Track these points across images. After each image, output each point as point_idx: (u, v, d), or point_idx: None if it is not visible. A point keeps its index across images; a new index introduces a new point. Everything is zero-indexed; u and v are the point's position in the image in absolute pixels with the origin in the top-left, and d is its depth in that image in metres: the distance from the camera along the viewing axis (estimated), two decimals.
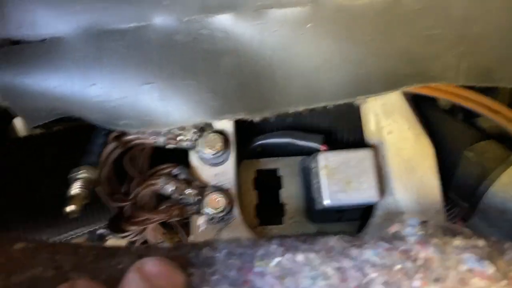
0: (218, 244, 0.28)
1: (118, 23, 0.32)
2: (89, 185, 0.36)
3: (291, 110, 0.35)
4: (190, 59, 0.33)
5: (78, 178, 0.36)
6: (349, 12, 0.32)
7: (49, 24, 0.32)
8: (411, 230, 0.28)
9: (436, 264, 0.25)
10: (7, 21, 0.33)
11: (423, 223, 0.31)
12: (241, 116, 0.35)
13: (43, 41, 0.33)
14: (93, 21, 0.32)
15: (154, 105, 0.34)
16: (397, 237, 0.28)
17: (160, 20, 0.32)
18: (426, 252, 0.26)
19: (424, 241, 0.27)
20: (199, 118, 0.36)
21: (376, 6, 0.32)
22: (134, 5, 0.32)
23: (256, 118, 0.36)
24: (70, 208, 0.34)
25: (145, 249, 0.30)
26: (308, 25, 0.32)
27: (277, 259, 0.25)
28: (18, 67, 0.34)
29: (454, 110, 0.50)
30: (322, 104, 0.35)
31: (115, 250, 0.30)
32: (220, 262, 0.26)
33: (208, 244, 0.28)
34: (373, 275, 0.24)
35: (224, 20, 0.32)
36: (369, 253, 0.26)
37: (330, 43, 0.33)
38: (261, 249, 0.27)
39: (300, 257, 0.26)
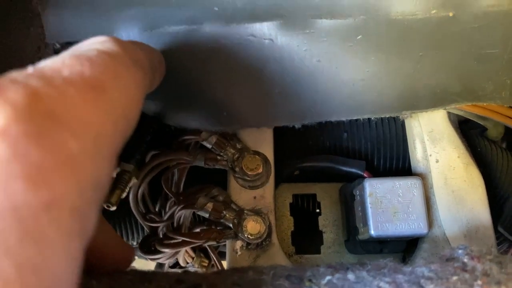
0: (262, 268, 0.27)
1: (169, 25, 0.32)
2: (129, 183, 0.34)
3: (333, 119, 0.35)
4: (235, 64, 0.33)
5: (124, 176, 0.34)
6: (402, 27, 0.32)
7: (106, 29, 0.33)
8: (463, 251, 0.27)
9: (495, 271, 0.24)
10: (65, 29, 0.33)
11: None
12: (281, 123, 0.36)
13: None
14: (146, 23, 0.33)
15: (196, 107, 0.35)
16: (450, 258, 0.27)
17: (210, 24, 0.32)
18: (483, 266, 0.24)
19: (479, 256, 0.25)
20: (238, 125, 0.36)
21: (431, 22, 0.31)
22: (185, 10, 0.32)
23: (297, 125, 0.36)
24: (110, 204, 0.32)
25: (184, 274, 0.29)
26: (358, 37, 0.32)
27: (328, 277, 0.25)
28: None
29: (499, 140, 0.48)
30: (365, 116, 0.35)
31: (152, 275, 0.28)
32: (267, 283, 0.25)
33: (251, 268, 0.27)
34: (430, 286, 0.23)
35: (272, 27, 0.32)
36: (422, 270, 0.25)
37: (379, 56, 0.33)
38: (308, 271, 0.26)
39: (351, 275, 0.25)
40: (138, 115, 0.21)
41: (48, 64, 0.18)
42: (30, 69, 0.17)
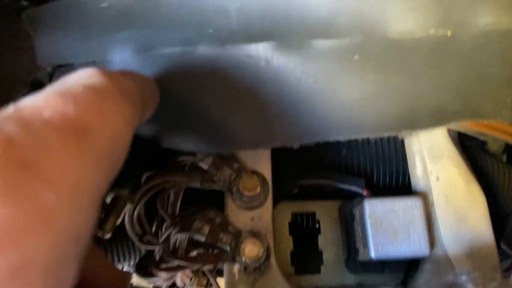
0: None
1: (163, 46, 0.32)
2: (123, 208, 0.33)
3: (331, 139, 0.34)
4: (231, 85, 0.32)
5: (119, 201, 0.33)
6: (401, 46, 0.31)
7: (98, 52, 0.32)
8: (466, 278, 0.26)
9: None
10: (57, 51, 0.33)
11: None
12: (278, 144, 0.35)
13: (93, 62, 0.34)
14: (140, 45, 0.32)
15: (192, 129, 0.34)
16: (453, 285, 0.27)
17: (205, 45, 0.31)
18: None
19: (483, 283, 0.25)
20: (234, 147, 0.35)
21: (429, 42, 0.31)
22: (179, 32, 0.32)
23: (295, 145, 0.35)
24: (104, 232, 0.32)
25: None
26: (355, 57, 0.31)
27: None
28: None
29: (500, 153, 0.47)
30: (364, 136, 0.35)
31: None
32: None
33: None
34: None
35: (267, 48, 0.31)
36: None
37: (377, 75, 0.32)
38: None
39: None
40: (126, 153, 0.20)
41: (30, 103, 0.17)
42: (10, 109, 0.16)
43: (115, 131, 0.19)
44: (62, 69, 0.34)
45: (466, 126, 0.37)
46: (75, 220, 0.15)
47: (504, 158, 0.51)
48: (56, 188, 0.15)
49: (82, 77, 0.20)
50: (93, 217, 0.17)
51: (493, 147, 0.44)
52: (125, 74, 0.24)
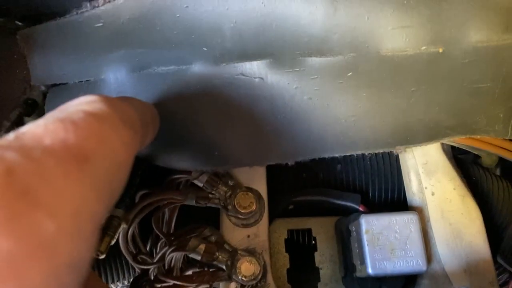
0: None
1: (158, 65, 0.32)
2: (118, 228, 0.33)
3: (327, 156, 0.34)
4: (225, 103, 0.32)
5: (113, 221, 0.32)
6: (393, 63, 0.31)
7: (92, 71, 0.32)
8: None
9: None
10: (51, 71, 0.33)
11: None
12: (273, 162, 0.34)
13: (87, 81, 0.34)
14: (134, 64, 0.32)
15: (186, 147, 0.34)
16: None
17: (199, 64, 0.32)
18: None
19: None
20: (229, 165, 0.35)
21: (422, 58, 0.31)
22: (173, 51, 0.32)
23: (290, 162, 0.35)
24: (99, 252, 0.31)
25: None
26: (349, 74, 0.31)
27: None
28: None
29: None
30: (359, 152, 0.35)
31: None
32: None
33: None
34: None
35: (261, 66, 0.31)
36: None
37: (371, 92, 0.32)
38: None
39: None
40: (126, 178, 0.20)
41: (30, 130, 0.17)
42: (10, 136, 0.16)
43: (115, 158, 0.19)
44: (56, 88, 0.34)
45: (460, 141, 0.37)
46: (75, 249, 0.15)
47: (498, 171, 0.51)
48: (56, 217, 0.14)
49: (83, 103, 0.20)
50: (92, 244, 0.16)
51: (486, 160, 0.44)
52: (126, 100, 0.24)
